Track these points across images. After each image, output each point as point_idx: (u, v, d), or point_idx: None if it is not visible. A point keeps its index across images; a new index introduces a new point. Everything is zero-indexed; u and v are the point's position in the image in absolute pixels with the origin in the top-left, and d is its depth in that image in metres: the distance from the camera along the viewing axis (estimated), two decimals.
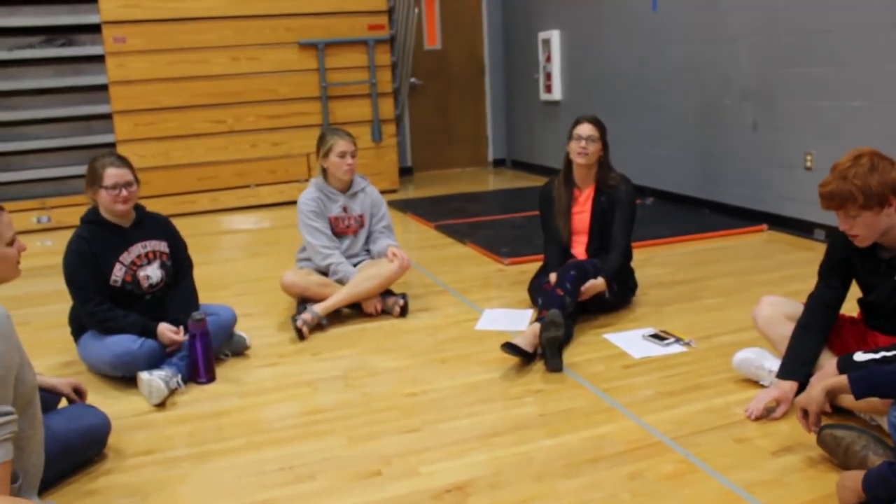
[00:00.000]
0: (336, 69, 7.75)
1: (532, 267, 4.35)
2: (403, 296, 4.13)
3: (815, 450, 2.51)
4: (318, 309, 3.93)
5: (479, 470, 2.53)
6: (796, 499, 2.31)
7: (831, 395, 2.35)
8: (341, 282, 4.04)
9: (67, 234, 3.39)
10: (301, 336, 3.82)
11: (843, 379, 2.32)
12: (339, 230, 4.19)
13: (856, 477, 2.13)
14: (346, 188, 4.19)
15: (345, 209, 4.19)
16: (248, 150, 7.64)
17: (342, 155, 4.07)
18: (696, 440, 2.68)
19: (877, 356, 2.66)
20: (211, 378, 3.32)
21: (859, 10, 4.95)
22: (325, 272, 4.10)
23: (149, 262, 3.40)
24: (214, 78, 7.42)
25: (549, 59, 8.56)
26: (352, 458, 2.65)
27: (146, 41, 7.16)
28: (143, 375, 3.13)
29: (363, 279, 4.02)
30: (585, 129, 3.93)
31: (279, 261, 5.14)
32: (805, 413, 2.40)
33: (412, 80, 8.99)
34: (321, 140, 4.15)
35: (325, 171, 4.16)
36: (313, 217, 4.10)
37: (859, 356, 2.69)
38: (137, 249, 3.38)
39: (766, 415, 2.81)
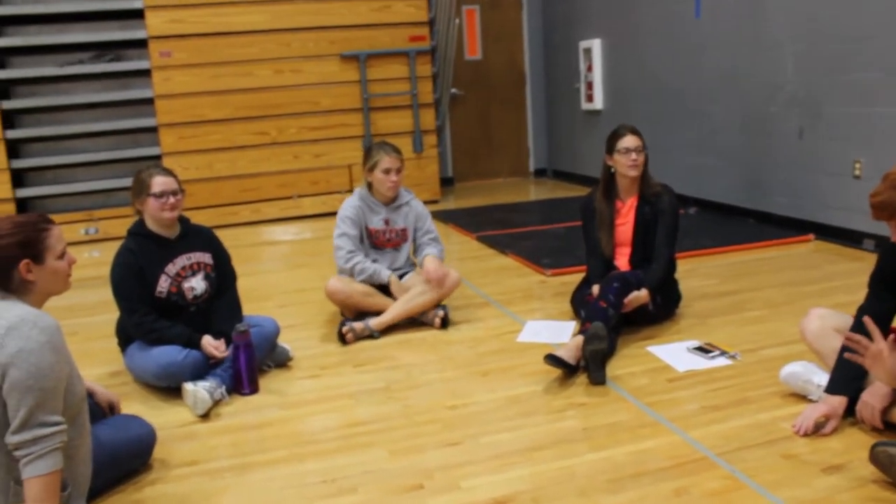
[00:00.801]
0: (377, 80, 7.80)
1: (574, 278, 4.32)
2: (443, 307, 4.13)
3: (868, 468, 2.44)
4: (373, 323, 3.98)
5: (521, 484, 2.52)
6: None
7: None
8: (372, 280, 4.04)
9: (115, 246, 3.45)
10: (344, 341, 3.85)
11: None
12: (379, 242, 4.19)
13: None
14: (390, 201, 4.19)
15: (387, 222, 4.19)
16: (290, 161, 7.71)
17: (387, 171, 4.06)
18: (742, 456, 2.63)
19: None
20: (254, 389, 3.34)
21: None
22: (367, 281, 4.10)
23: (193, 274, 3.44)
24: (257, 90, 7.51)
25: (590, 68, 8.52)
26: (393, 471, 2.65)
27: (191, 55, 7.28)
28: (188, 386, 3.16)
29: (418, 293, 4.06)
30: (632, 140, 3.88)
31: (321, 272, 5.17)
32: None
33: (453, 90, 9.01)
34: (368, 154, 4.15)
35: (369, 184, 4.17)
36: (348, 223, 4.10)
37: None
38: (182, 261, 3.42)
39: (815, 430, 2.75)
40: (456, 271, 4.23)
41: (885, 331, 2.87)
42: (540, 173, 9.97)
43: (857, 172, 5.32)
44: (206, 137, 7.45)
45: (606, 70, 8.37)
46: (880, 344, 2.41)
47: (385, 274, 4.07)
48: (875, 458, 2.43)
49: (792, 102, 5.87)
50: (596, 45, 8.38)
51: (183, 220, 3.51)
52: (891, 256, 2.81)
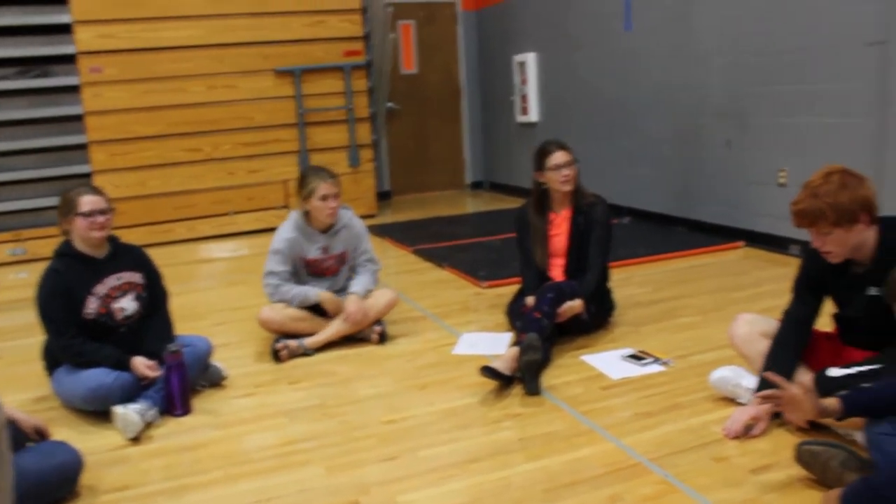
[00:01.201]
0: (313, 95, 7.76)
1: (510, 290, 4.35)
2: (381, 323, 4.11)
3: (794, 467, 2.51)
4: (308, 342, 3.94)
5: (458, 497, 2.52)
6: None
7: (822, 415, 2.37)
8: (304, 303, 3.97)
9: (42, 267, 3.35)
10: (278, 359, 3.81)
11: (836, 402, 2.36)
12: (317, 271, 4.08)
13: (835, 495, 2.14)
14: (328, 228, 4.05)
15: (325, 250, 4.06)
16: (225, 178, 7.61)
17: (324, 198, 3.92)
18: (674, 461, 2.67)
19: (851, 371, 2.69)
20: (187, 410, 3.28)
21: (828, 30, 5.03)
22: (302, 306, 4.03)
23: (123, 294, 3.37)
24: (191, 106, 7.41)
25: (524, 81, 8.62)
26: (330, 487, 2.63)
27: (122, 71, 7.14)
28: (118, 409, 3.09)
29: None
30: (562, 156, 3.93)
31: (257, 289, 5.06)
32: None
33: (389, 104, 9.02)
34: (302, 181, 3.98)
35: (306, 213, 4.01)
36: (279, 258, 3.96)
37: (833, 371, 2.73)
38: (112, 281, 3.35)
39: (745, 433, 2.81)
40: (392, 291, 4.23)
41: (809, 332, 2.96)
42: (476, 186, 10.04)
43: (782, 181, 5.48)
44: (139, 154, 7.31)
45: (541, 83, 8.47)
46: (792, 390, 2.46)
47: (314, 294, 3.98)
48: (800, 456, 2.50)
49: (720, 114, 6.02)
50: (530, 58, 8.48)
51: (112, 240, 3.43)
52: (813, 261, 2.89)
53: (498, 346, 3.82)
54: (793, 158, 5.37)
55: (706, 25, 6.04)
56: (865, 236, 2.68)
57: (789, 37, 5.32)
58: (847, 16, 4.89)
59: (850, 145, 4.92)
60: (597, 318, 3.98)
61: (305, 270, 4.07)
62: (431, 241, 6.54)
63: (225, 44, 7.43)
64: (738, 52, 5.77)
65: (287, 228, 4.02)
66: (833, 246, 2.67)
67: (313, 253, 4.04)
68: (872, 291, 2.73)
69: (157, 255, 3.65)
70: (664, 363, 3.54)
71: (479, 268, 5.39)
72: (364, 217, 7.70)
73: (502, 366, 3.32)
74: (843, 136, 5.00)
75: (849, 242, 2.66)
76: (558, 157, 3.92)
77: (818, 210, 2.61)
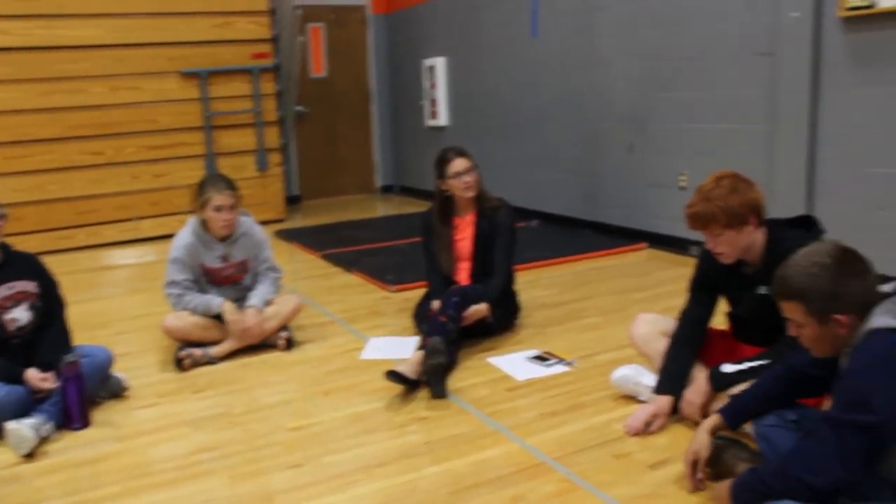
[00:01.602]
0: (219, 98, 7.62)
1: (418, 293, 4.36)
2: (287, 329, 4.07)
3: None
4: (213, 351, 3.87)
5: (364, 502, 2.52)
6: None
7: (714, 432, 2.45)
8: (206, 313, 3.89)
9: None
10: (181, 368, 3.73)
11: (718, 417, 2.45)
12: (217, 280, 3.99)
13: (726, 486, 2.22)
14: (227, 236, 3.97)
15: (224, 258, 3.98)
16: (128, 182, 7.41)
17: (218, 209, 3.83)
18: (577, 459, 2.73)
19: (743, 367, 2.80)
20: (85, 423, 3.18)
21: (722, 38, 5.22)
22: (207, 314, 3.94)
23: (16, 305, 3.24)
24: (92, 108, 7.17)
25: (433, 85, 8.67)
26: (234, 497, 2.59)
27: (17, 70, 6.87)
28: (10, 425, 2.97)
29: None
30: (462, 163, 3.96)
31: (162, 296, 4.96)
32: (694, 464, 2.44)
33: (298, 108, 8.94)
34: (199, 189, 3.90)
35: (203, 220, 3.92)
36: (178, 267, 3.88)
37: (727, 367, 2.83)
38: (3, 291, 3.22)
39: (645, 429, 2.89)
40: (297, 296, 4.19)
41: (705, 331, 3.07)
42: (387, 189, 10.04)
43: (682, 184, 5.66)
44: (36, 158, 7.03)
45: (450, 87, 8.54)
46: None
47: (216, 303, 3.89)
48: None
49: (622, 119, 6.17)
50: (439, 62, 8.53)
51: (4, 247, 3.30)
52: (707, 263, 3.00)
53: (405, 350, 3.83)
54: (692, 162, 5.55)
55: (609, 33, 6.19)
56: (755, 238, 2.79)
57: (687, 45, 5.50)
58: (739, 27, 5.10)
59: (745, 150, 5.12)
60: (502, 321, 4.03)
61: (205, 279, 3.99)
62: (340, 245, 6.50)
63: (127, 44, 7.22)
64: (639, 59, 5.93)
65: (184, 236, 3.94)
66: (725, 247, 2.78)
67: (212, 261, 3.96)
68: (762, 290, 2.84)
69: (56, 263, 3.54)
70: (568, 363, 3.61)
71: (387, 272, 5.40)
72: (273, 222, 7.72)
73: (408, 370, 3.33)
74: (738, 141, 5.20)
75: (739, 244, 2.77)
76: (458, 164, 3.95)
77: (710, 213, 2.72)
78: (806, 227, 2.88)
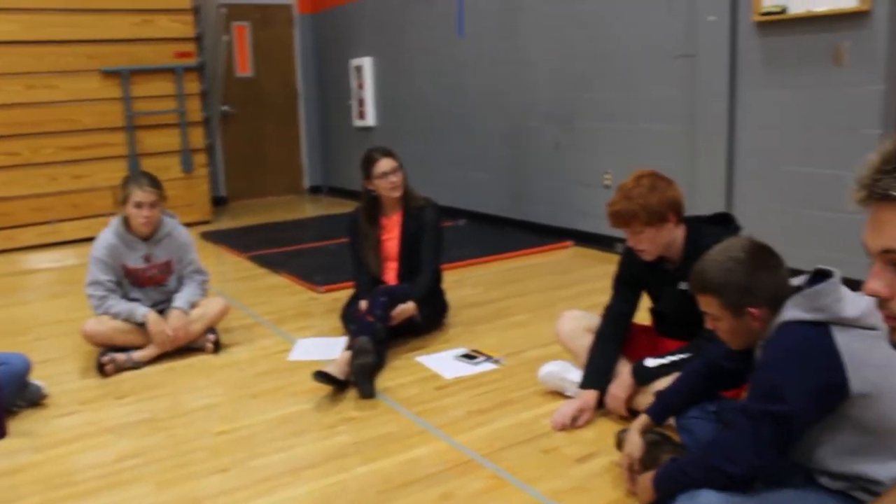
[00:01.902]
0: (142, 98, 7.45)
1: (346, 294, 4.34)
2: (214, 332, 4.01)
3: (616, 453, 2.63)
4: (137, 356, 3.79)
5: None
6: (599, 500, 2.44)
7: (644, 432, 2.50)
8: (129, 321, 3.81)
9: None
10: (104, 373, 3.65)
11: (646, 417, 2.50)
12: (140, 281, 3.92)
13: (649, 477, 2.27)
14: (150, 236, 3.91)
15: (147, 258, 3.91)
16: (46, 183, 7.18)
17: (139, 206, 3.78)
18: (505, 455, 2.76)
19: (665, 361, 2.88)
20: (2, 433, 3.08)
21: (644, 40, 5.35)
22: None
23: None
24: (6, 107, 6.93)
25: (361, 85, 8.64)
26: None
27: None
28: None
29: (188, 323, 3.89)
30: (387, 163, 3.97)
31: (83, 301, 4.81)
32: (630, 466, 2.47)
33: (224, 108, 8.81)
34: (123, 184, 3.86)
35: (126, 218, 3.86)
36: (100, 267, 3.80)
37: (650, 361, 2.90)
38: None
39: (572, 424, 2.93)
40: (223, 298, 4.14)
41: (628, 326, 3.14)
42: (315, 190, 9.97)
43: (606, 182, 5.76)
44: None
45: (377, 87, 8.52)
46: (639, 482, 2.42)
47: (140, 313, 3.80)
48: (619, 443, 2.63)
49: (548, 118, 6.26)
50: (367, 62, 8.51)
51: None
52: (630, 260, 3.07)
53: (334, 350, 3.80)
54: (616, 161, 5.66)
55: (534, 33, 6.26)
56: (675, 235, 2.87)
57: (610, 47, 5.61)
58: (660, 29, 5.22)
59: (666, 149, 5.25)
60: (430, 320, 4.05)
61: (128, 280, 3.90)
62: (268, 246, 6.43)
63: (44, 41, 7.00)
64: (564, 59, 6.02)
65: (106, 236, 3.86)
66: (646, 244, 2.85)
67: (134, 261, 3.89)
68: (682, 286, 2.92)
69: None
70: (496, 361, 3.65)
71: (315, 273, 5.36)
72: (198, 223, 7.59)
73: (336, 370, 3.32)
74: (660, 140, 5.32)
75: (659, 241, 2.84)
76: (383, 164, 3.96)
77: (631, 211, 2.78)
78: (723, 223, 2.97)
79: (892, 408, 1.89)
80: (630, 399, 2.93)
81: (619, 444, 2.63)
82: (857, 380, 1.88)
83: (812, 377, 1.90)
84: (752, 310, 2.06)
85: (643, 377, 2.89)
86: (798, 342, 1.95)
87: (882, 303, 1.22)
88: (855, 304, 1.93)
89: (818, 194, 4.44)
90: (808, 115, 4.46)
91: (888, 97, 4.11)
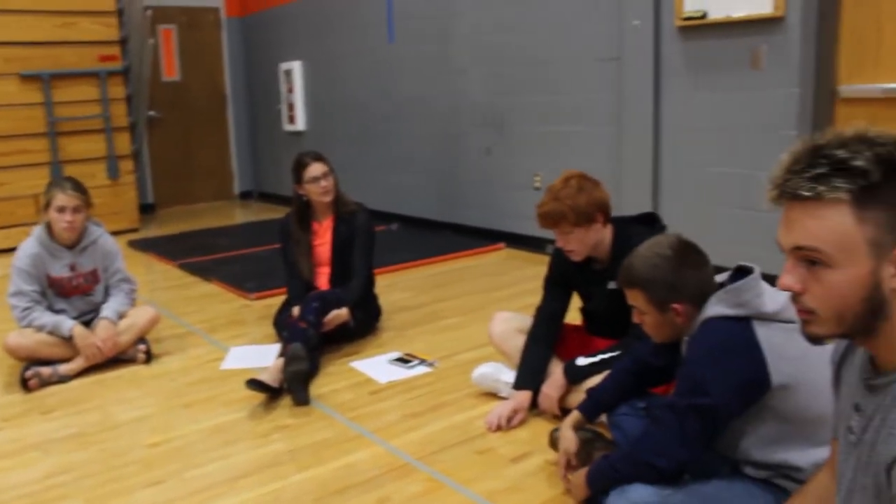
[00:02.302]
0: (65, 103, 7.25)
1: (278, 300, 4.31)
2: (145, 341, 3.94)
3: (550, 452, 2.69)
4: (63, 369, 3.69)
5: None
6: (534, 499, 2.48)
7: (577, 428, 2.53)
8: (55, 334, 3.71)
9: None
10: (27, 388, 3.55)
11: (578, 413, 2.55)
12: (65, 291, 3.82)
13: (582, 474, 2.31)
14: (74, 243, 3.82)
15: (72, 267, 3.82)
16: None
17: (61, 210, 3.69)
18: (440, 457, 2.78)
19: (595, 359, 2.93)
20: None
21: (571, 45, 5.44)
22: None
23: None
24: None
25: (291, 89, 8.58)
26: None
27: None
28: None
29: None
30: (318, 168, 3.96)
31: (4, 313, 4.71)
32: (567, 462, 2.49)
33: (150, 113, 8.64)
34: (46, 189, 3.76)
35: (48, 226, 3.77)
36: (23, 277, 3.69)
37: (581, 360, 2.96)
38: None
39: (506, 425, 2.97)
40: (153, 308, 4.07)
41: (560, 326, 3.19)
42: (246, 196, 9.84)
43: (537, 184, 5.84)
44: None
45: (307, 92, 8.47)
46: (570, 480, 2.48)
47: (67, 326, 3.70)
48: (553, 442, 2.69)
49: (478, 122, 6.31)
50: (296, 66, 8.46)
51: None
52: (559, 260, 3.13)
53: (267, 358, 3.77)
54: (546, 163, 5.74)
55: (463, 38, 6.31)
56: (602, 235, 2.93)
57: (539, 50, 5.69)
58: (587, 33, 5.31)
59: (595, 151, 5.34)
60: (363, 325, 4.05)
61: (52, 290, 3.80)
62: (198, 254, 6.34)
63: None
64: (493, 63, 6.08)
65: (29, 245, 3.76)
66: (574, 245, 2.90)
67: (59, 270, 3.79)
68: (611, 286, 2.98)
69: None
70: (430, 364, 3.67)
71: (247, 279, 5.30)
72: (126, 231, 7.44)
73: (269, 377, 3.29)
74: (588, 142, 5.42)
75: (588, 241, 2.90)
76: (314, 169, 3.95)
77: (559, 212, 2.84)
78: (649, 223, 3.05)
79: (809, 398, 1.97)
80: (563, 398, 2.97)
81: (553, 443, 2.68)
82: (777, 372, 1.95)
83: (734, 371, 1.97)
84: (677, 306, 2.13)
85: (575, 376, 2.94)
86: (721, 337, 2.02)
87: (795, 297, 1.28)
88: (774, 300, 2.00)
89: (739, 193, 4.58)
90: (728, 116, 4.59)
91: (803, 99, 4.27)
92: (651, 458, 2.06)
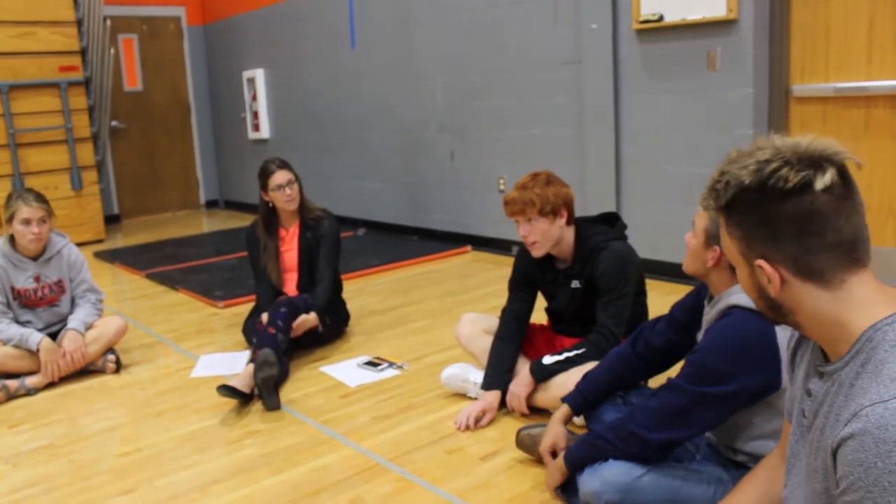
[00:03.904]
0: (25, 114, 7.18)
1: (247, 308, 4.33)
2: (113, 351, 3.93)
3: (518, 450, 2.74)
4: (30, 382, 3.67)
5: None
6: (504, 495, 2.52)
7: (565, 421, 2.57)
8: (21, 347, 3.68)
9: None
10: None
11: (566, 407, 2.58)
12: (31, 303, 3.80)
13: (559, 460, 2.35)
14: (39, 254, 3.80)
15: (37, 279, 3.80)
16: None
17: (26, 223, 3.67)
18: (412, 458, 2.82)
19: (561, 357, 2.99)
20: None
21: (532, 49, 5.51)
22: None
23: None
24: None
25: (255, 97, 8.57)
26: None
27: None
28: None
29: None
30: (283, 176, 3.99)
31: None
32: (553, 454, 2.50)
33: (113, 123, 8.59)
34: (6, 202, 3.75)
35: (12, 237, 3.76)
36: None
37: (547, 359, 3.01)
38: None
39: (475, 424, 3.01)
40: (120, 318, 4.05)
41: (526, 326, 3.24)
42: (212, 204, 9.81)
43: (501, 187, 5.91)
44: None
45: (271, 99, 8.47)
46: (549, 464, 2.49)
47: (34, 340, 3.67)
48: (520, 441, 2.74)
49: (442, 128, 6.36)
50: (259, 74, 8.45)
51: None
52: (524, 261, 3.19)
53: (237, 365, 3.80)
54: (510, 167, 5.81)
55: (427, 45, 6.36)
56: (566, 233, 3.00)
57: (499, 56, 5.76)
58: (546, 38, 5.39)
59: (558, 153, 5.42)
60: (332, 329, 4.08)
61: (17, 302, 3.79)
62: (165, 263, 6.32)
63: None
64: (456, 70, 6.14)
65: None
66: (537, 235, 2.94)
67: (23, 282, 3.78)
68: (574, 284, 3.05)
69: None
70: (399, 367, 3.71)
71: (215, 287, 5.31)
72: (92, 243, 7.39)
73: (240, 383, 3.31)
74: (551, 145, 5.50)
75: (551, 234, 2.96)
76: (279, 177, 3.98)
77: (527, 199, 2.90)
78: (610, 222, 3.12)
79: None
80: (530, 396, 3.03)
81: (520, 442, 2.73)
82: (788, 373, 2.01)
83: (750, 372, 2.00)
84: (717, 248, 2.10)
85: (541, 374, 2.99)
86: (742, 335, 2.02)
87: None
88: None
89: (699, 192, 4.64)
90: (686, 116, 4.69)
91: (757, 99, 4.37)
92: (641, 431, 2.09)
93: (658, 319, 2.52)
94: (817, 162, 1.23)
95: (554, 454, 2.50)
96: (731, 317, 2.06)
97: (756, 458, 2.07)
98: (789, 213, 1.24)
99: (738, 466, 2.13)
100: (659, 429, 2.08)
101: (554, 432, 2.54)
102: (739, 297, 2.04)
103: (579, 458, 2.24)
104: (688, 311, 2.39)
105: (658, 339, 2.48)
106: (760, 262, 1.29)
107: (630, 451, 2.11)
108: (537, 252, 3.01)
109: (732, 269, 2.05)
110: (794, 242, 1.25)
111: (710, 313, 2.17)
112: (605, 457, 2.14)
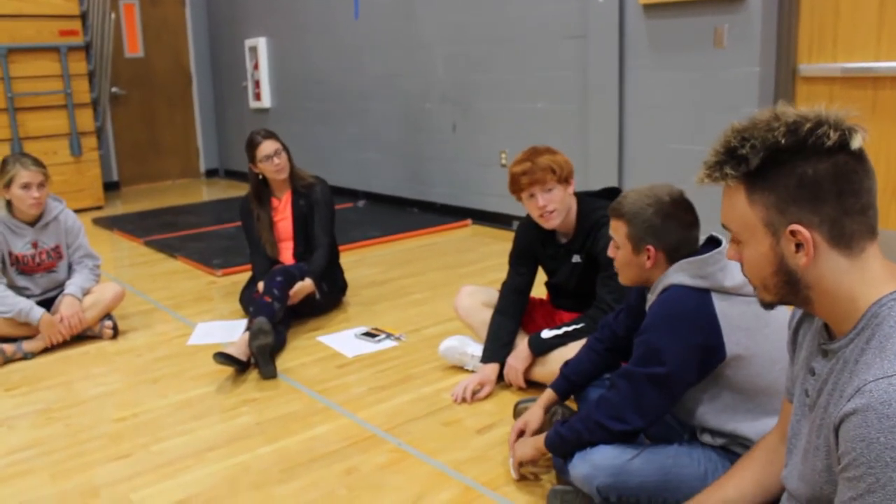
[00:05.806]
0: (24, 78, 7.12)
1: (245, 277, 4.32)
2: (111, 317, 3.92)
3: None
4: (27, 346, 3.66)
5: (195, 487, 2.50)
6: (499, 468, 2.52)
7: (548, 408, 2.55)
8: (20, 319, 3.66)
9: None
10: None
11: (552, 392, 2.55)
12: (28, 269, 3.79)
13: (540, 437, 2.34)
14: (36, 220, 3.78)
15: (34, 245, 3.78)
16: None
17: (26, 187, 3.64)
18: (407, 429, 2.82)
19: (560, 332, 2.98)
20: None
21: (537, 23, 5.45)
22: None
23: None
24: None
25: (256, 66, 8.50)
26: (56, 495, 2.49)
27: None
28: None
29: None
30: (270, 146, 3.97)
31: None
32: (521, 433, 2.49)
33: (113, 89, 8.52)
34: (2, 168, 3.70)
35: (9, 203, 3.74)
36: None
37: (546, 333, 3.00)
38: None
39: (472, 397, 3.01)
40: (117, 284, 4.05)
41: (526, 300, 3.22)
42: (212, 173, 9.76)
43: (503, 161, 5.87)
44: None
45: (273, 68, 8.40)
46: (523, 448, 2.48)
47: (36, 315, 3.65)
48: (518, 415, 2.73)
49: (444, 99, 6.31)
50: (261, 43, 8.38)
51: None
52: (524, 235, 3.17)
53: (234, 334, 3.77)
54: (512, 141, 5.76)
55: (429, 15, 6.30)
56: (571, 203, 2.97)
57: (505, 28, 5.70)
58: (553, 11, 5.33)
59: (561, 127, 5.38)
60: (330, 298, 4.07)
61: (15, 268, 3.77)
62: (164, 231, 6.30)
63: None
64: (459, 41, 6.08)
65: None
66: (557, 203, 2.89)
67: (21, 248, 3.76)
68: (575, 259, 3.03)
69: None
70: (397, 338, 3.70)
71: (213, 256, 5.30)
72: (91, 209, 7.37)
73: (236, 351, 3.31)
74: (555, 119, 5.46)
75: (567, 202, 2.93)
76: (266, 147, 3.96)
77: (546, 166, 2.85)
78: (612, 198, 3.08)
79: (762, 369, 2.03)
80: (528, 370, 3.02)
81: (517, 414, 2.72)
82: (732, 343, 2.00)
83: (690, 341, 2.01)
84: (651, 248, 2.13)
85: (539, 348, 2.98)
86: (679, 308, 2.05)
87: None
88: (735, 274, 2.04)
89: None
90: (691, 94, 4.65)
91: (764, 78, 4.33)
92: (605, 421, 2.10)
93: (620, 310, 2.53)
94: (844, 124, 1.23)
95: (521, 433, 2.48)
96: (667, 293, 2.08)
97: (731, 438, 2.08)
98: (830, 172, 1.23)
99: (723, 450, 2.12)
100: (621, 419, 2.09)
101: (531, 413, 2.52)
102: (676, 275, 2.07)
103: (557, 445, 2.24)
104: (641, 298, 2.38)
105: (620, 328, 2.49)
106: (796, 226, 1.25)
107: (600, 441, 2.12)
108: (554, 222, 2.94)
109: (668, 261, 2.12)
110: (835, 202, 1.24)
111: (651, 299, 2.19)
112: (581, 446, 2.14)
